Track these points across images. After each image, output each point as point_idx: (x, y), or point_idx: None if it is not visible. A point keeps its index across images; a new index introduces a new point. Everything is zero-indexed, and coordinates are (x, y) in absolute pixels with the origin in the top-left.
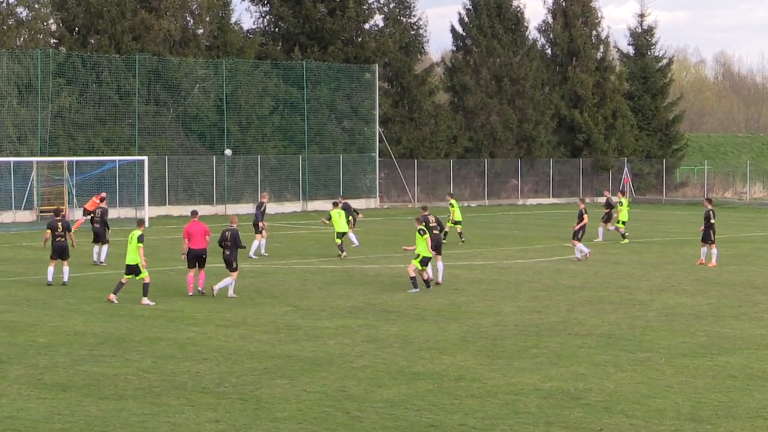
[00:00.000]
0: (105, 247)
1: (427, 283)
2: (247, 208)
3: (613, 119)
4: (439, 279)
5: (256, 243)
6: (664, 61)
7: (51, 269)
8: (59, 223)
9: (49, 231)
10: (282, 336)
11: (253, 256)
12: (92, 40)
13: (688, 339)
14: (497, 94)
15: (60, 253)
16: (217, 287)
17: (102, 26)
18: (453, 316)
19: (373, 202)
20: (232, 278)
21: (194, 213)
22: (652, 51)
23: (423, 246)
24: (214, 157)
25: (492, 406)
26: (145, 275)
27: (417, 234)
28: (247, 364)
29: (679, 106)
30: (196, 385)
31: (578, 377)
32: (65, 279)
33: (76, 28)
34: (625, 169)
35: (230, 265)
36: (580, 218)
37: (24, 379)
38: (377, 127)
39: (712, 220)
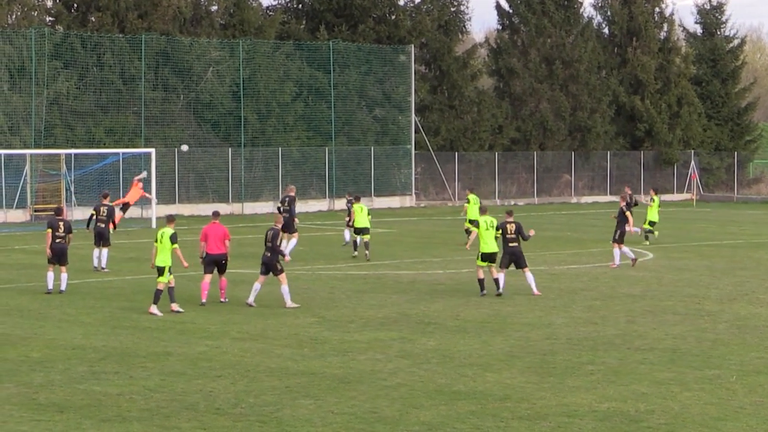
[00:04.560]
0: (106, 251)
1: (496, 283)
2: (267, 207)
3: (678, 107)
4: (534, 290)
5: (293, 242)
6: (736, 42)
7: (50, 275)
8: (60, 223)
9: (50, 231)
10: (306, 351)
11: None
12: (93, 18)
13: (763, 354)
14: (548, 78)
15: (59, 257)
16: (250, 300)
17: (104, 2)
18: (498, 329)
19: (408, 200)
20: (283, 283)
21: (215, 214)
22: (722, 30)
23: (484, 241)
24: (230, 149)
25: (542, 429)
26: (164, 281)
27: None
28: (266, 382)
29: (753, 92)
30: (209, 406)
31: (639, 397)
32: (63, 287)
33: (75, 5)
34: (692, 163)
35: (272, 269)
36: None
37: (16, 399)
38: (413, 115)
39: None
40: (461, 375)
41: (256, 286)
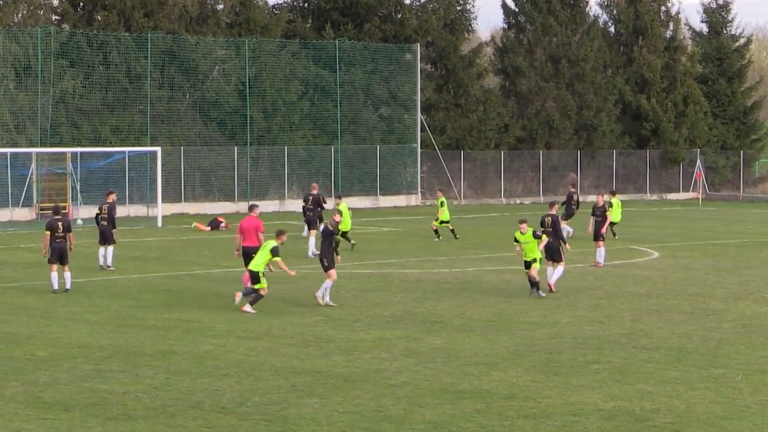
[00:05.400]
0: (111, 249)
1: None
2: (272, 206)
3: (684, 106)
4: (551, 283)
5: (312, 239)
6: (742, 41)
7: (54, 275)
8: (59, 223)
9: (48, 233)
10: (311, 349)
11: (312, 255)
12: (99, 17)
13: None
14: (554, 77)
15: (59, 256)
16: (319, 294)
17: (110, 1)
18: (503, 327)
19: (414, 199)
20: (330, 280)
21: (252, 207)
22: (728, 29)
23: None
24: (236, 148)
25: (547, 428)
26: (263, 286)
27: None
28: (272, 380)
29: (759, 91)
30: (214, 405)
31: (644, 396)
32: (68, 285)
33: (81, 3)
34: (698, 162)
35: (323, 264)
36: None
37: (22, 398)
38: (419, 114)
39: None
40: (466, 374)
41: (329, 283)
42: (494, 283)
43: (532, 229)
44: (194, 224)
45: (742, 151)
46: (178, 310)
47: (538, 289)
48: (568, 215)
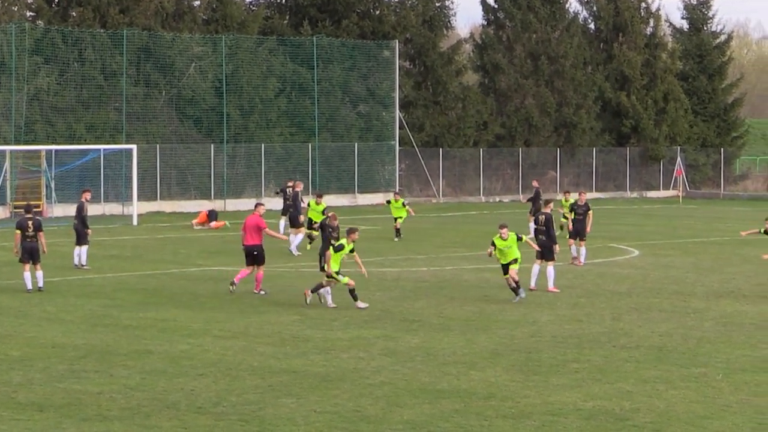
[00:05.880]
0: (84, 249)
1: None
2: (249, 204)
3: (665, 103)
4: (550, 286)
5: (300, 237)
6: (723, 37)
7: (27, 275)
8: (30, 222)
9: (18, 232)
10: (288, 349)
11: (296, 252)
12: (74, 13)
13: (749, 352)
14: (533, 74)
15: (31, 255)
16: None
17: None
18: (482, 326)
19: (392, 197)
20: (327, 284)
21: (257, 205)
22: (708, 26)
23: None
24: (212, 145)
25: (526, 427)
26: (345, 281)
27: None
28: (248, 380)
29: (740, 88)
30: (190, 405)
31: (624, 395)
32: (40, 284)
33: (56, 0)
34: (678, 159)
35: (320, 263)
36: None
37: None
38: (397, 111)
39: None
40: (445, 373)
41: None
42: (473, 281)
43: (513, 233)
44: (193, 222)
45: (722, 149)
46: (154, 309)
47: (519, 290)
48: (537, 211)
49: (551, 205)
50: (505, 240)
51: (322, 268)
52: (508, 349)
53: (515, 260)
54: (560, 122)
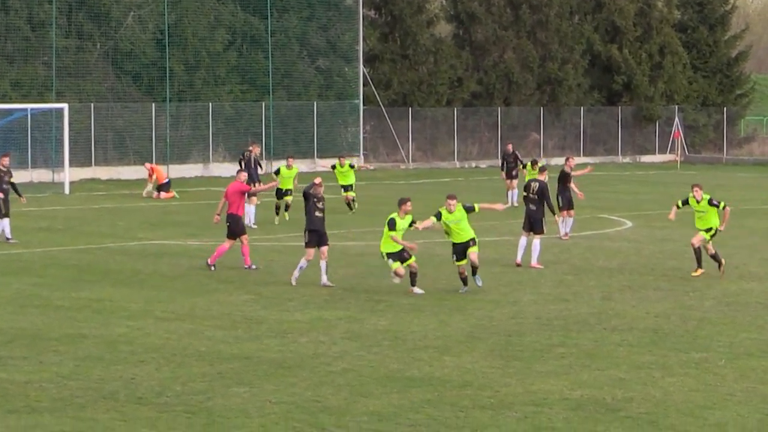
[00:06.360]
0: (6, 221)
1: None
2: (195, 170)
3: (661, 57)
4: (533, 262)
5: (252, 208)
6: None
7: None
8: None
9: None
10: (240, 332)
11: (254, 225)
12: None
13: (755, 335)
14: (513, 25)
15: None
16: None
17: None
18: (457, 307)
19: (356, 162)
20: (313, 259)
21: (238, 172)
22: None
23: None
24: (153, 105)
25: (506, 419)
26: (395, 266)
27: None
28: (195, 367)
29: (744, 40)
30: (130, 395)
31: (616, 383)
32: None
33: None
34: (676, 119)
35: (324, 238)
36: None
37: None
38: (361, 67)
39: None
40: (415, 359)
41: (303, 263)
42: (446, 256)
43: (460, 204)
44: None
45: (725, 108)
46: (89, 287)
47: (476, 277)
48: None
49: (546, 172)
50: (452, 213)
51: (307, 245)
52: (486, 332)
53: (473, 240)
54: (544, 79)
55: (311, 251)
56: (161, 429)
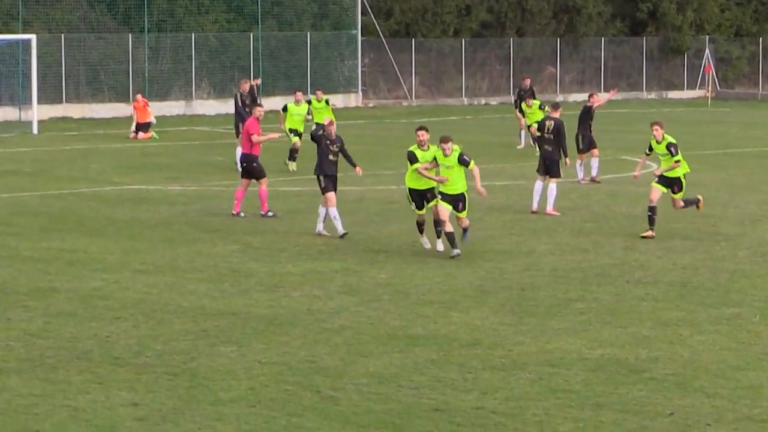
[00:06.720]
0: None
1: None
2: (177, 107)
3: None
4: (548, 208)
5: (240, 150)
6: None
7: None
8: None
9: None
10: (227, 286)
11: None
12: None
13: None
14: None
15: None
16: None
17: None
18: (465, 258)
19: (353, 99)
20: (325, 207)
21: (254, 105)
22: None
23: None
24: (130, 35)
25: (519, 381)
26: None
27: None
28: (177, 325)
29: None
30: (105, 355)
31: (640, 342)
32: None
33: None
34: (706, 51)
35: (320, 183)
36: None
37: None
38: None
39: None
40: (419, 315)
41: (322, 210)
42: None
43: (459, 150)
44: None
45: (761, 38)
46: (60, 237)
47: (465, 237)
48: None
49: (560, 109)
50: (447, 156)
51: (323, 190)
52: (497, 286)
53: (463, 196)
54: (560, 6)
55: (331, 195)
56: (140, 392)
